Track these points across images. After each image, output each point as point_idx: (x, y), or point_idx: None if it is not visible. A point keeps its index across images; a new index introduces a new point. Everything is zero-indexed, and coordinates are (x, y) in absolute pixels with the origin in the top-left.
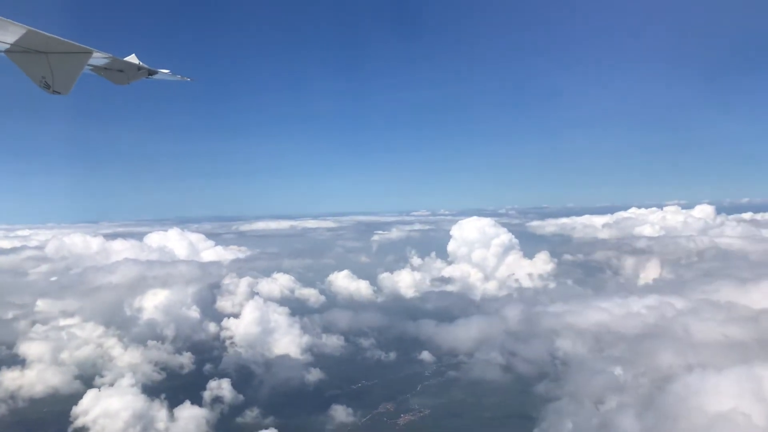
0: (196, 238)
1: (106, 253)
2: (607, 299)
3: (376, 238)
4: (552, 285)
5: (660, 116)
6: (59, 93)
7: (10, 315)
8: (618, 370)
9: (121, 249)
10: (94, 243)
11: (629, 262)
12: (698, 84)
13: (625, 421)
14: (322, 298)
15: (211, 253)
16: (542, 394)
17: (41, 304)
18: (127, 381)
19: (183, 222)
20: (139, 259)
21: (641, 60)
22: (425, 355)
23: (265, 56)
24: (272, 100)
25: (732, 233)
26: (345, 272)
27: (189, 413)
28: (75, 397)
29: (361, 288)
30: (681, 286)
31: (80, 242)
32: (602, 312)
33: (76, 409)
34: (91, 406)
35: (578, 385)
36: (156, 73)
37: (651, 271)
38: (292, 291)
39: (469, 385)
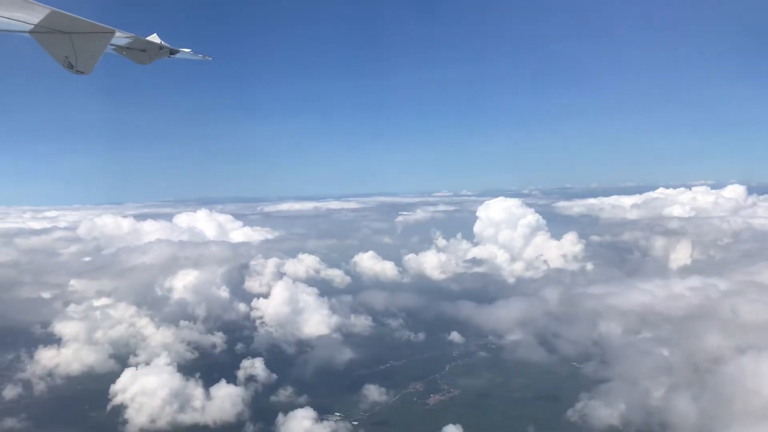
0: (224, 219)
1: (137, 234)
2: (646, 281)
3: (400, 219)
4: (584, 266)
5: (684, 95)
6: (82, 73)
7: (45, 294)
8: (666, 352)
9: (152, 230)
10: (126, 224)
11: (662, 243)
12: (724, 61)
13: (679, 402)
14: (348, 278)
15: (239, 234)
16: (581, 375)
17: (75, 284)
18: (163, 360)
19: (205, 203)
20: (171, 239)
21: (666, 37)
22: (454, 336)
23: (286, 36)
24: (294, 80)
25: (765, 214)
26: (370, 253)
27: (225, 392)
28: (110, 376)
29: (386, 269)
30: (721, 267)
31: (111, 223)
32: (644, 293)
33: (114, 387)
34: (128, 385)
35: (627, 366)
36: (177, 52)
37: (685, 252)
38: (317, 272)
39: (498, 365)
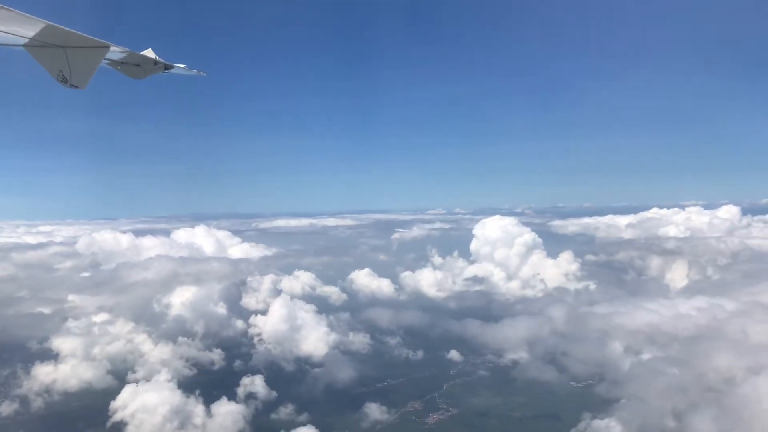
0: (222, 235)
1: (136, 250)
2: (651, 300)
3: (396, 236)
4: (582, 285)
5: (676, 116)
6: (76, 87)
7: (42, 310)
8: (676, 372)
9: (151, 246)
10: (124, 240)
11: (660, 262)
12: (716, 82)
13: (694, 422)
14: (344, 296)
15: (237, 250)
16: (583, 395)
17: (73, 299)
18: (163, 376)
19: (199, 219)
20: (172, 255)
21: (658, 57)
22: (453, 354)
23: (280, 53)
24: (290, 97)
25: (760, 234)
26: (366, 270)
27: (226, 409)
28: (109, 392)
29: (382, 286)
30: (724, 287)
31: (110, 239)
32: (650, 313)
33: (114, 404)
34: (128, 401)
35: (636, 386)
36: (172, 67)
37: (685, 272)
38: (313, 288)
39: (497, 384)
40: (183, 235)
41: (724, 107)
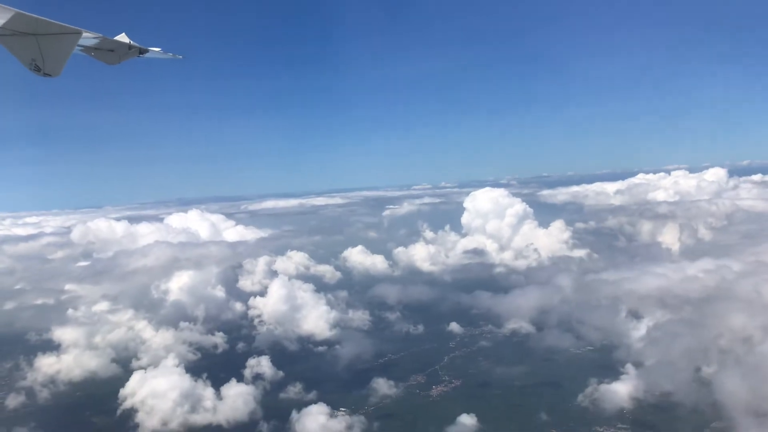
0: (216, 219)
1: (132, 237)
2: (656, 265)
3: (387, 213)
4: (578, 253)
5: (655, 81)
6: (50, 75)
7: (41, 301)
8: (692, 334)
9: (147, 232)
10: (120, 227)
11: (655, 227)
12: (695, 46)
13: (720, 381)
14: (338, 274)
15: (232, 233)
16: (592, 361)
17: (71, 289)
18: (170, 362)
19: (186, 204)
20: (171, 241)
21: (634, 23)
22: (454, 327)
23: (258, 32)
24: (270, 77)
25: (749, 195)
26: (359, 248)
27: (235, 391)
28: (114, 380)
29: (376, 263)
30: (727, 249)
31: (105, 227)
32: (659, 277)
33: (123, 391)
34: (137, 388)
35: (654, 349)
36: (147, 51)
37: (683, 236)
38: (307, 268)
39: (498, 355)
40: (177, 220)
41: (702, 71)
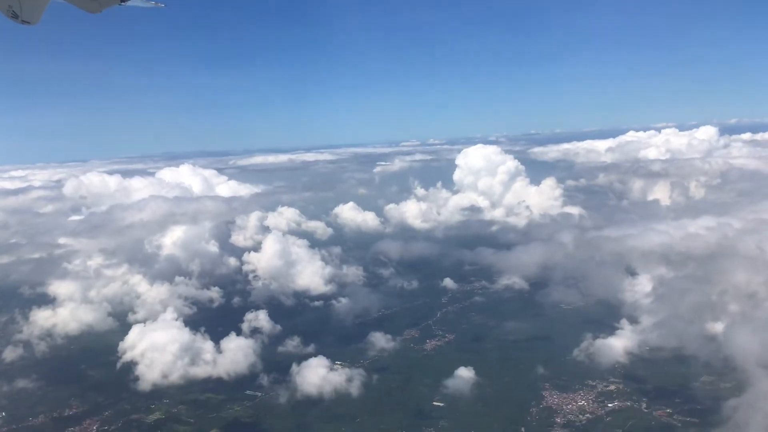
0: (208, 174)
1: (126, 191)
2: (656, 222)
3: (378, 169)
4: (568, 210)
5: (643, 38)
6: (28, 23)
7: (36, 255)
8: (698, 289)
9: (140, 187)
10: (112, 181)
11: (649, 185)
12: (681, 3)
13: (730, 337)
14: (330, 230)
15: (225, 188)
16: (586, 316)
17: (65, 243)
18: (169, 315)
19: (172, 158)
20: (166, 196)
21: None
22: (447, 282)
23: None
24: (255, 30)
25: (740, 154)
26: (350, 204)
27: (235, 344)
28: (111, 334)
29: (368, 219)
30: (725, 207)
31: (98, 181)
32: (661, 234)
33: (123, 345)
34: (137, 341)
35: (664, 305)
36: None
37: (679, 194)
38: (298, 224)
39: (492, 310)
40: (169, 174)
41: (690, 29)
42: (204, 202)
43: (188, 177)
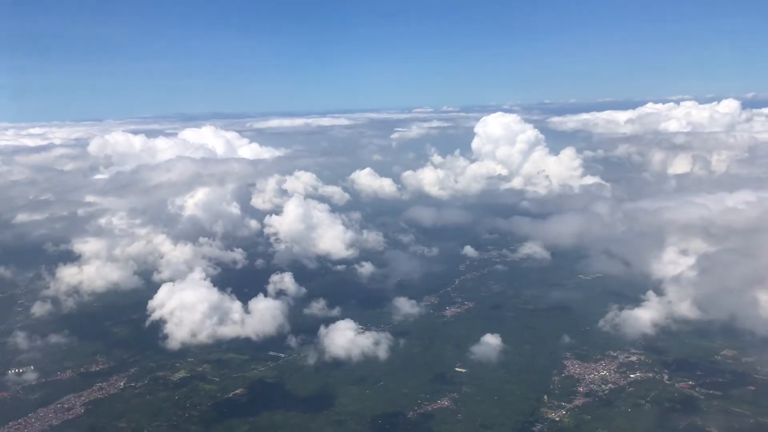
0: (231, 136)
1: (151, 151)
2: (692, 195)
3: (395, 136)
4: (592, 181)
5: (658, 10)
6: None
7: (63, 212)
8: (745, 262)
9: (166, 147)
10: (138, 141)
11: (677, 158)
12: None
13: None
14: (346, 195)
15: (247, 150)
16: (606, 289)
17: (92, 201)
18: (197, 275)
19: (187, 119)
20: (193, 156)
21: None
22: (468, 250)
23: None
24: None
25: (763, 128)
26: (367, 170)
27: (264, 305)
28: (137, 292)
29: (384, 186)
30: (761, 182)
31: (122, 140)
32: (699, 208)
33: (152, 303)
34: (165, 300)
35: (707, 278)
36: None
37: (709, 167)
38: (315, 188)
39: (511, 278)
40: (192, 135)
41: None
42: (230, 164)
43: (211, 138)
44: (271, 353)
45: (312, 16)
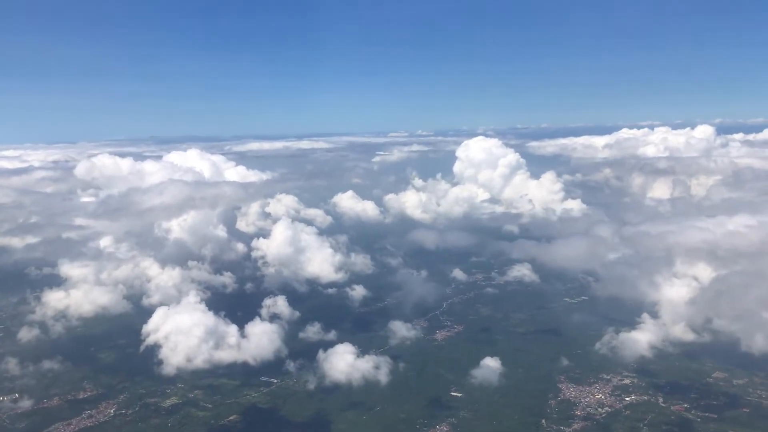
0: (217, 159)
1: (139, 174)
2: (692, 219)
3: (377, 159)
4: (572, 204)
5: (628, 37)
6: None
7: (50, 235)
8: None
9: (155, 170)
10: (125, 164)
11: (650, 182)
12: (670, 7)
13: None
14: (329, 218)
15: (233, 173)
16: (607, 312)
17: (81, 225)
18: (192, 299)
19: (161, 143)
20: (185, 180)
21: None
22: (457, 273)
23: None
24: (242, 16)
25: (739, 153)
26: (349, 193)
27: (260, 329)
28: (126, 316)
29: (367, 209)
30: (753, 206)
31: (110, 163)
32: (703, 231)
33: (146, 328)
34: (160, 324)
35: (726, 299)
36: None
37: (699, 191)
38: (297, 211)
39: (498, 301)
40: (177, 158)
41: (675, 31)
42: (222, 187)
43: (197, 161)
44: (263, 378)
45: (285, 40)
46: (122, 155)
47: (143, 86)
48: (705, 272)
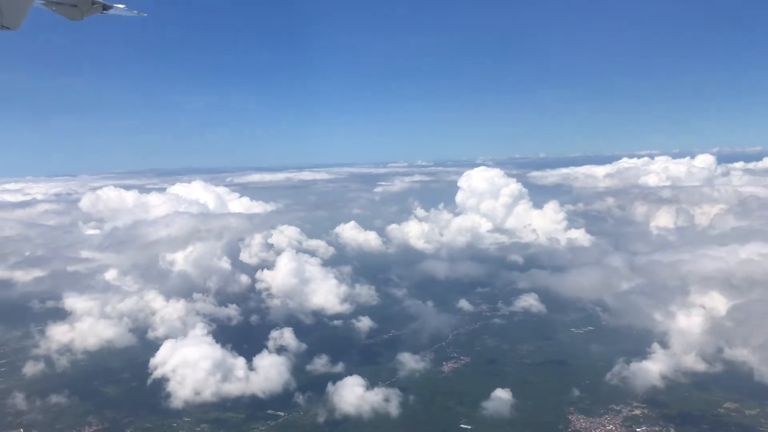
0: (221, 191)
1: (144, 207)
2: (704, 248)
3: (379, 189)
4: (576, 234)
5: (629, 65)
6: (8, 28)
7: (56, 268)
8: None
9: (159, 203)
10: (129, 197)
11: (653, 210)
12: (664, 35)
13: None
14: (331, 249)
15: (238, 205)
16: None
17: (84, 258)
18: (199, 331)
19: (162, 174)
20: (191, 212)
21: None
22: (463, 304)
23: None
24: (239, 49)
25: (744, 182)
26: (351, 223)
27: (268, 361)
28: (132, 350)
29: (369, 239)
30: (763, 234)
31: (114, 196)
32: (715, 260)
33: (154, 361)
34: (167, 357)
35: (744, 329)
36: (111, 7)
37: (709, 220)
38: (299, 242)
39: (506, 332)
40: (182, 190)
41: (670, 62)
42: (228, 219)
43: (201, 193)
44: (270, 411)
45: (283, 73)
46: (125, 188)
47: (143, 119)
48: (716, 301)
